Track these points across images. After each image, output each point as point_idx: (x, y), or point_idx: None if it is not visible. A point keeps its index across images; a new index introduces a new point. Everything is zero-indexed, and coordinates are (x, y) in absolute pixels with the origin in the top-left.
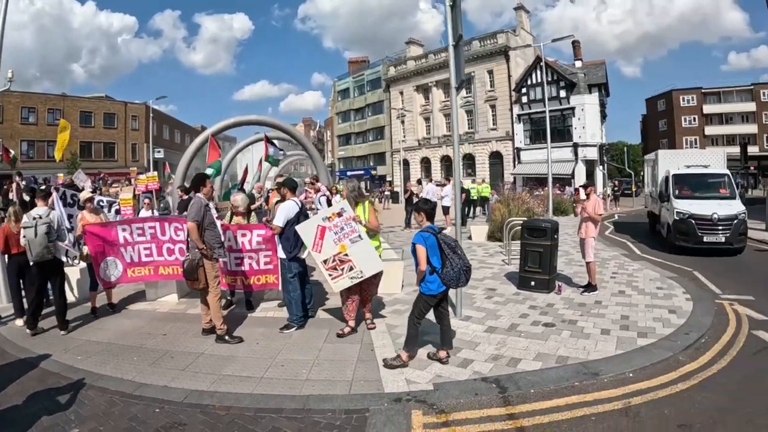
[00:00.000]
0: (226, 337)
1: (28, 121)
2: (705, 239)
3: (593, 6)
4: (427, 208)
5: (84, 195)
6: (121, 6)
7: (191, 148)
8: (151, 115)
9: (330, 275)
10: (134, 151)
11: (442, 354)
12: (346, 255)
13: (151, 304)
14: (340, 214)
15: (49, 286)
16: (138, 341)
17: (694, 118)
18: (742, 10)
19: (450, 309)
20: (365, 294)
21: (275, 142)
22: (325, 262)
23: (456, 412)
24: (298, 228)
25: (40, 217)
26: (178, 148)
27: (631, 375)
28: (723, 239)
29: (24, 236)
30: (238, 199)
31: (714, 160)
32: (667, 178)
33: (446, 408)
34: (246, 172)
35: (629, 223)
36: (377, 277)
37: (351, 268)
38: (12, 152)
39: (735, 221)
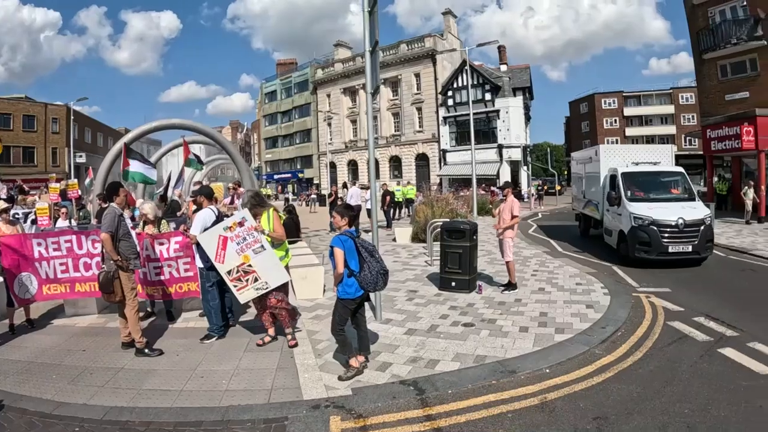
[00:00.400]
0: (146, 350)
1: None
2: (670, 249)
3: (521, 12)
4: (351, 214)
5: None
6: (44, 0)
7: (110, 153)
8: (72, 117)
9: (234, 286)
10: (55, 156)
11: (361, 359)
12: (250, 266)
13: (71, 319)
14: (241, 224)
15: None
16: (57, 358)
17: (616, 120)
18: (664, 19)
19: (370, 312)
20: (272, 308)
21: (200, 149)
22: (229, 273)
23: (374, 416)
24: (200, 238)
25: None
26: (101, 152)
27: (547, 371)
28: (690, 248)
29: None
30: (147, 207)
31: (662, 157)
32: (613, 177)
33: (364, 412)
34: (169, 178)
35: (552, 221)
36: (282, 288)
37: (256, 279)
38: None
39: (702, 227)
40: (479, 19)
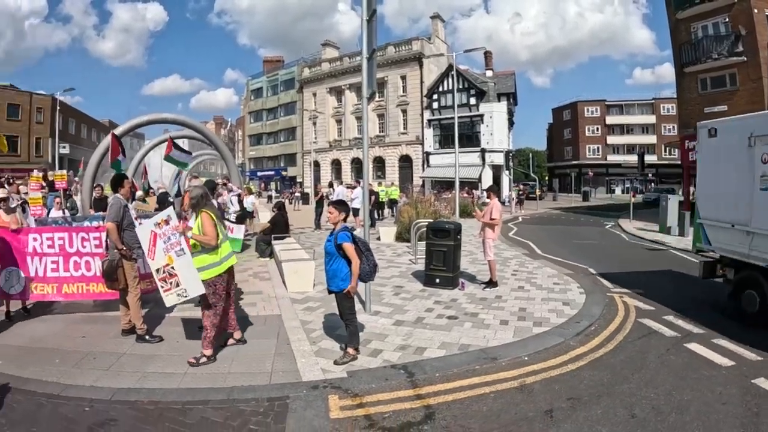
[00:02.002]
0: (147, 337)
1: None
2: None
3: (507, 18)
4: (347, 210)
5: None
6: None
7: (102, 146)
8: (59, 108)
9: (161, 287)
10: (38, 146)
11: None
12: (173, 268)
13: (67, 307)
14: (167, 222)
15: None
16: (58, 344)
17: (597, 128)
18: (649, 29)
19: (359, 305)
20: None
21: (183, 143)
22: (157, 271)
23: (369, 395)
24: (137, 230)
25: None
26: (85, 143)
27: (526, 358)
28: None
29: None
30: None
31: None
32: None
33: (360, 392)
34: (146, 172)
35: (532, 224)
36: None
37: (177, 284)
38: None
39: None
40: (466, 23)
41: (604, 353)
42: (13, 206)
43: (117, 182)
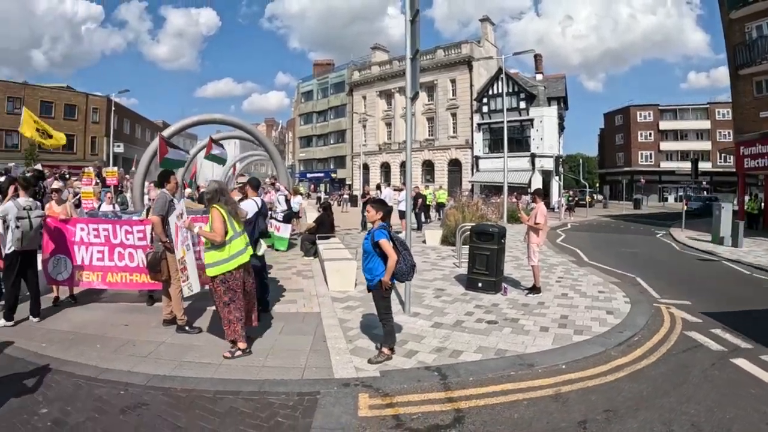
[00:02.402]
0: (187, 328)
1: None
2: None
3: (558, 20)
4: (386, 209)
5: (54, 185)
6: None
7: (152, 146)
8: (113, 108)
9: (179, 278)
10: (93, 145)
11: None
12: (186, 261)
13: (113, 297)
14: (181, 216)
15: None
16: (100, 330)
17: (650, 134)
18: (704, 31)
19: (399, 306)
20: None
21: (235, 144)
22: (179, 262)
23: (400, 395)
24: (169, 220)
25: (31, 209)
26: (139, 143)
27: (564, 366)
28: None
29: (18, 226)
30: (153, 194)
31: None
32: None
33: (391, 392)
34: (195, 171)
35: (581, 232)
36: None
37: (187, 278)
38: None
39: None
40: (516, 26)
41: (645, 365)
42: (64, 198)
43: (163, 178)
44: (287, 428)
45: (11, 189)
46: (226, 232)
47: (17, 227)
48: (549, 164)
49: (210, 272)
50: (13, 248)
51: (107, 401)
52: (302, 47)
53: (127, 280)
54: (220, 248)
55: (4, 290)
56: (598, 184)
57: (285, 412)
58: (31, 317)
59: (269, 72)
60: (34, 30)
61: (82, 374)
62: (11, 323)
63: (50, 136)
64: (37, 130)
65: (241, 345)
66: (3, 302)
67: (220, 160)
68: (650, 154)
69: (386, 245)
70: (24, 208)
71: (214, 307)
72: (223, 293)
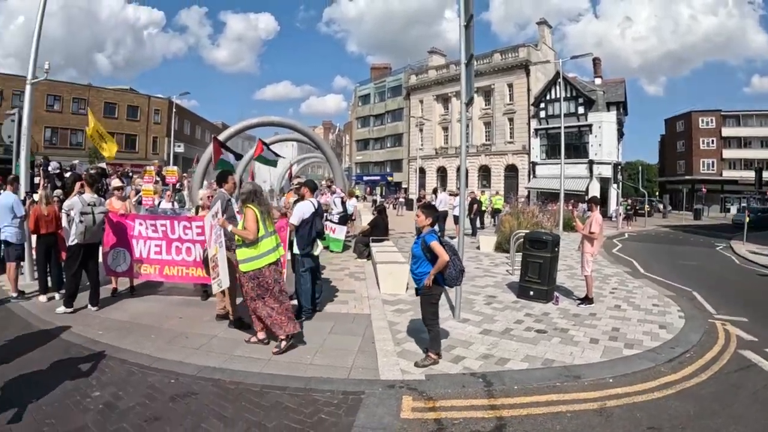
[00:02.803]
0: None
1: (53, 109)
2: None
3: (618, 22)
4: (435, 215)
5: (115, 183)
6: (149, 0)
7: (210, 148)
8: (174, 110)
9: (211, 275)
10: (155, 145)
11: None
12: (217, 258)
13: (168, 290)
14: (216, 215)
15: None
16: (155, 322)
17: (713, 141)
18: (767, 33)
19: (449, 311)
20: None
21: (293, 146)
22: (211, 259)
23: (443, 399)
24: (205, 218)
25: (95, 205)
26: (199, 143)
27: (611, 380)
28: None
29: (82, 221)
30: (201, 192)
31: None
32: None
33: (435, 396)
34: (253, 172)
35: (638, 242)
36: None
37: (218, 274)
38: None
39: None
40: (574, 28)
41: (695, 383)
42: (125, 196)
43: (222, 178)
44: (330, 425)
45: (77, 185)
46: (258, 231)
47: (81, 222)
48: (607, 171)
49: (242, 268)
50: (76, 241)
51: (158, 389)
52: (360, 51)
53: (183, 273)
54: (251, 246)
55: (65, 279)
56: (657, 193)
57: (329, 409)
58: (89, 306)
59: (327, 75)
60: (98, 35)
61: (136, 362)
62: (71, 310)
63: (105, 142)
64: (98, 132)
65: (281, 335)
66: (64, 290)
67: (270, 163)
68: (712, 162)
69: (438, 247)
70: (88, 204)
71: None
72: (251, 289)
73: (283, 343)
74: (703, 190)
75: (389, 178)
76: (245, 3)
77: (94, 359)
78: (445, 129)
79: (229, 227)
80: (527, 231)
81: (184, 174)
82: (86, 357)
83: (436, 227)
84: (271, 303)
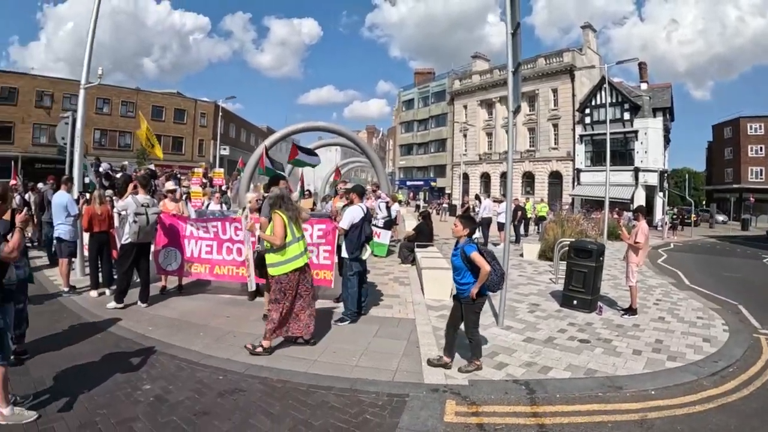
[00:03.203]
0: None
1: (102, 112)
2: None
3: (663, 25)
4: (473, 226)
5: (169, 185)
6: (194, 6)
7: (257, 151)
8: (220, 113)
9: (246, 274)
10: (201, 147)
11: (447, 360)
12: (248, 259)
13: (216, 289)
14: (246, 218)
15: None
16: (204, 320)
17: (761, 148)
18: None
19: (492, 318)
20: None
21: (337, 150)
22: (246, 259)
23: (486, 405)
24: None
25: (148, 206)
26: (243, 146)
27: (653, 392)
28: None
29: (135, 221)
30: (249, 195)
31: None
32: None
33: (477, 401)
34: (302, 177)
35: (684, 252)
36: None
37: (250, 274)
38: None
39: None
40: (619, 32)
41: (737, 398)
42: (178, 198)
43: (272, 182)
44: (374, 426)
45: (130, 186)
46: (285, 236)
47: (135, 222)
48: (653, 179)
49: (270, 272)
50: (129, 240)
51: (207, 384)
52: (402, 55)
53: (233, 273)
54: (279, 251)
55: (116, 276)
56: (704, 202)
57: (373, 410)
58: (139, 302)
59: (370, 80)
60: (144, 40)
61: (185, 358)
62: (121, 305)
63: (152, 146)
64: (147, 136)
65: (265, 343)
66: (114, 286)
67: (306, 165)
68: (761, 171)
69: (479, 258)
70: (142, 205)
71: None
72: (272, 291)
73: (259, 349)
74: (751, 199)
75: (432, 184)
76: (289, 8)
77: (144, 354)
78: (489, 134)
79: (258, 231)
80: (572, 239)
81: (234, 172)
82: (136, 351)
83: (477, 234)
84: (282, 310)
